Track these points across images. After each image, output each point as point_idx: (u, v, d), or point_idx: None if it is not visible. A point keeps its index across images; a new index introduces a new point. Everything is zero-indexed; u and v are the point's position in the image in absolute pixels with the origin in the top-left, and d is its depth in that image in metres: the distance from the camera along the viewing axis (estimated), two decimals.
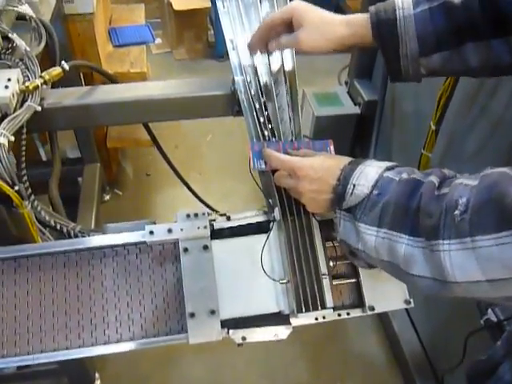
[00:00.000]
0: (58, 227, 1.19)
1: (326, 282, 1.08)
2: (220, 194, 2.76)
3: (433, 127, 1.54)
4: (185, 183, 1.94)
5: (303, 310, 1.02)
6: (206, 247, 1.12)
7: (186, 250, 1.12)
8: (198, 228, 1.14)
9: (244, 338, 1.08)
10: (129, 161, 2.99)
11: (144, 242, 1.13)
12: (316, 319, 1.08)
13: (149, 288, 1.13)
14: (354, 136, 2.23)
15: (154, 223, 1.23)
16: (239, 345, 1.08)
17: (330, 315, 1.09)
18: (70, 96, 1.28)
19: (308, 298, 1.03)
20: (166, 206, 2.78)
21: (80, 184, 2.61)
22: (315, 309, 1.03)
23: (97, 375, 1.99)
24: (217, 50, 4.04)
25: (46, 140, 2.95)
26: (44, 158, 2.84)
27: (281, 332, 1.10)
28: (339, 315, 1.11)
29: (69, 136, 2.58)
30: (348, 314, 1.12)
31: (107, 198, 2.78)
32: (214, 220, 1.19)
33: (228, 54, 1.19)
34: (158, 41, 4.20)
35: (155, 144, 1.67)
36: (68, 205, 2.70)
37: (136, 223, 1.22)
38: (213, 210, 2.06)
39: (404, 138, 1.95)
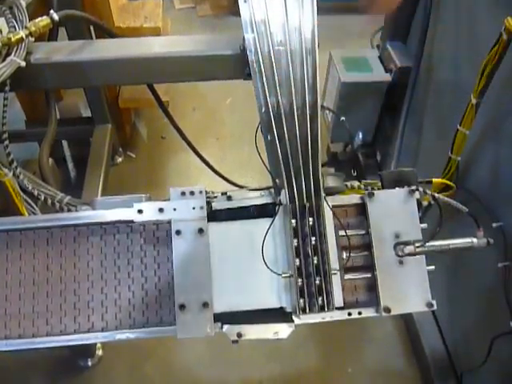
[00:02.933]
0: (43, 198, 1.07)
1: (336, 278, 0.94)
2: (237, 162, 2.61)
3: (473, 100, 1.34)
4: (194, 150, 1.80)
5: (307, 310, 0.89)
6: (201, 230, 0.99)
7: (178, 232, 0.99)
8: (194, 208, 1.01)
9: (240, 335, 0.96)
10: (143, 122, 2.85)
11: (132, 221, 1.01)
12: (323, 318, 0.95)
13: (139, 272, 1.01)
14: (383, 106, 2.03)
15: (150, 199, 1.11)
16: (234, 341, 0.97)
17: (338, 315, 0.96)
18: (61, 51, 1.15)
19: (313, 297, 0.90)
20: (180, 171, 2.66)
21: None
22: (321, 310, 0.90)
23: (98, 344, 1.94)
24: None
25: (59, 96, 2.85)
26: (57, 116, 2.74)
27: (282, 330, 0.97)
28: (349, 315, 0.98)
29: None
30: (360, 313, 0.99)
31: (120, 160, 2.67)
32: (215, 197, 1.06)
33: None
34: None
35: (161, 108, 1.52)
36: (80, 166, 2.63)
37: (129, 197, 1.09)
38: (227, 180, 1.93)
39: (439, 111, 1.75)
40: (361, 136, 2.08)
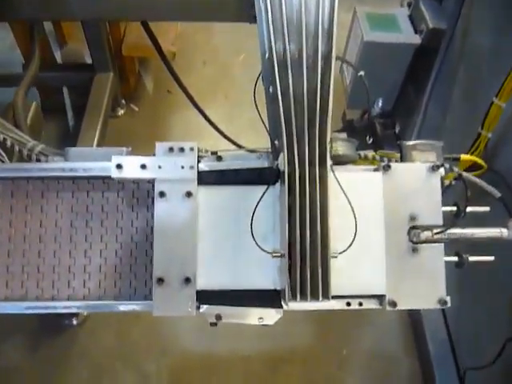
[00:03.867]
0: (9, 143, 0.94)
1: (335, 262, 0.80)
2: (244, 123, 2.45)
3: None
4: (197, 107, 1.65)
5: (297, 297, 0.76)
6: (189, 194, 0.86)
7: (162, 194, 0.86)
8: (182, 167, 0.87)
9: (219, 317, 0.84)
10: (149, 74, 2.68)
11: (109, 177, 0.87)
12: (316, 307, 0.82)
13: (114, 236, 0.89)
14: (408, 72, 1.84)
15: (131, 153, 0.97)
16: (212, 324, 0.85)
17: (335, 304, 0.83)
18: None
19: (307, 283, 0.76)
20: (185, 129, 2.51)
21: None
22: (314, 298, 0.77)
23: None
24: None
25: (64, 40, 2.69)
26: (59, 61, 2.60)
27: (268, 316, 0.85)
28: (348, 305, 0.85)
29: None
30: (360, 304, 0.86)
31: (121, 112, 2.53)
32: (203, 158, 0.91)
33: None
34: None
35: (162, 58, 1.36)
36: (81, 116, 2.49)
37: (107, 150, 0.94)
38: (231, 141, 1.78)
39: (472, 81, 1.56)
40: (380, 104, 1.90)
